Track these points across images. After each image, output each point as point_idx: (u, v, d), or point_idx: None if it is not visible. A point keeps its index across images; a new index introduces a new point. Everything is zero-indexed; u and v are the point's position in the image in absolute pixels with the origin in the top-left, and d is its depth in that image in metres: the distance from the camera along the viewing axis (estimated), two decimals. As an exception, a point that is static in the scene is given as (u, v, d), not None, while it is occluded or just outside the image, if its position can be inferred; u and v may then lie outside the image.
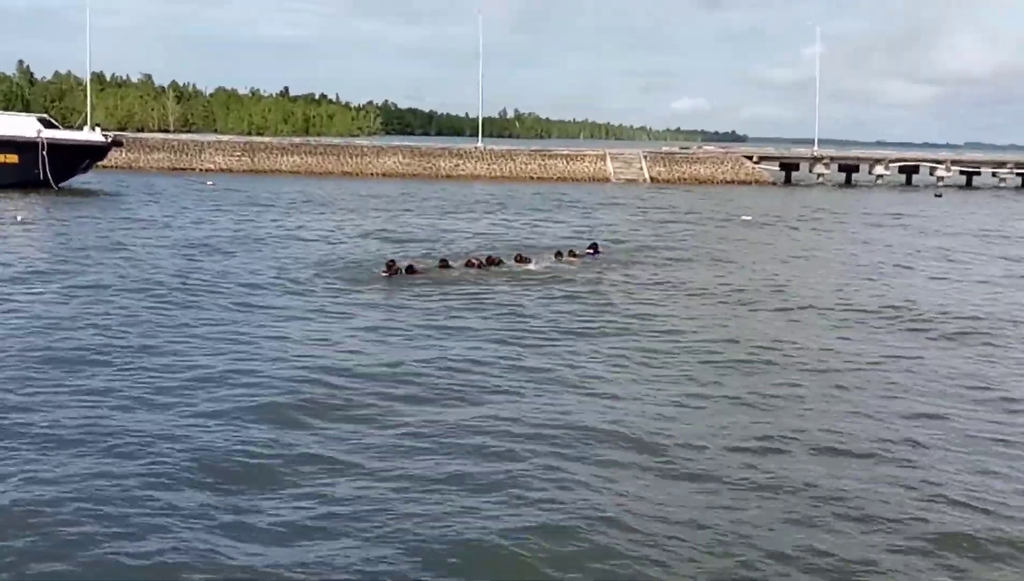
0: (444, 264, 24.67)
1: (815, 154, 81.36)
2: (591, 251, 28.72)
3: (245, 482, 9.92)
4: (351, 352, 15.44)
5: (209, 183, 58.60)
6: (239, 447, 10.87)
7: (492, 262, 25.41)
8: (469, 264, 24.84)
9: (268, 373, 13.96)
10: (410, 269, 23.39)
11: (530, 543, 8.61)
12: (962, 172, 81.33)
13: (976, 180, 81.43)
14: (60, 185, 49.29)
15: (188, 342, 15.89)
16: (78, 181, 51.67)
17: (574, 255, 27.73)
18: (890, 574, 8.31)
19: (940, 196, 66.41)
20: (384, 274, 22.96)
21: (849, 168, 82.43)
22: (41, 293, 20.22)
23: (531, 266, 25.45)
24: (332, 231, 34.33)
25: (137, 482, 9.79)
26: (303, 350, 15.46)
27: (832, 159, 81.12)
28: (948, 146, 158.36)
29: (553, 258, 27.05)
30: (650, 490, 9.99)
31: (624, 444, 11.31)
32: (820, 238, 36.79)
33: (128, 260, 25.49)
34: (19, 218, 35.56)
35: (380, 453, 10.80)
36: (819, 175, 78.74)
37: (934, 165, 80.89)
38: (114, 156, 60.89)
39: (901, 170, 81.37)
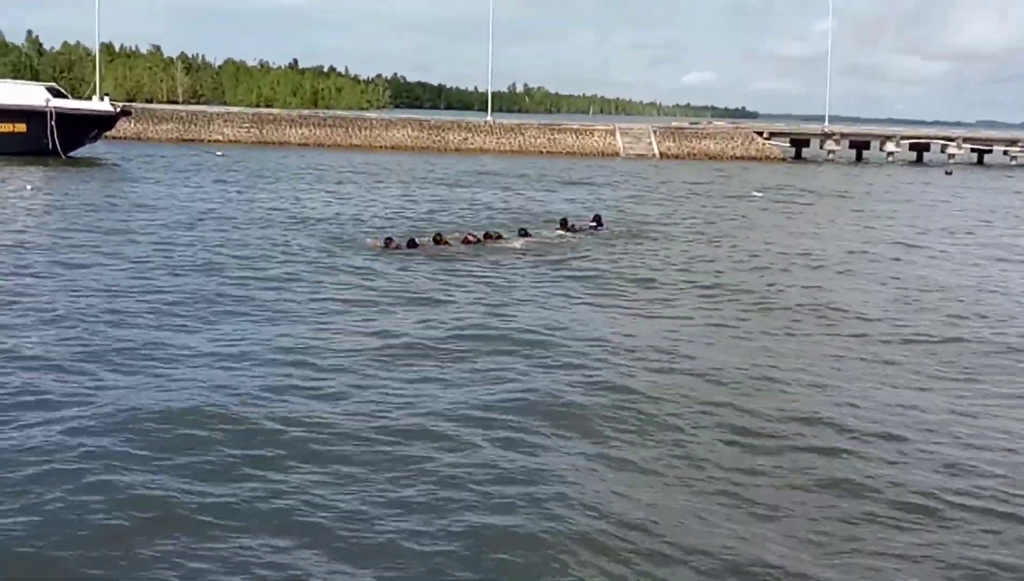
0: (439, 239, 23.71)
1: (826, 130, 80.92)
2: (594, 224, 27.97)
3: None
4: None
5: (219, 154, 58.62)
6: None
7: (490, 237, 24.69)
8: (466, 240, 24.04)
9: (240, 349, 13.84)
10: (411, 243, 22.85)
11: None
12: (973, 150, 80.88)
13: (987, 158, 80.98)
14: (69, 154, 49.31)
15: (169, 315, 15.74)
16: (87, 151, 51.72)
17: (574, 229, 26.97)
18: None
19: (951, 173, 66.07)
20: (380, 247, 22.72)
21: (860, 145, 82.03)
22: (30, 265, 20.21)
23: (530, 240, 24.90)
24: (332, 203, 34.18)
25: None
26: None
27: (843, 136, 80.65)
28: (959, 124, 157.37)
29: (557, 231, 26.50)
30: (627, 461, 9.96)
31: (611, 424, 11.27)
32: (832, 219, 35.31)
33: (124, 233, 25.39)
34: (29, 188, 35.55)
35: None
36: (830, 152, 78.34)
37: (945, 142, 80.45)
38: (123, 127, 60.93)
39: (912, 147, 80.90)
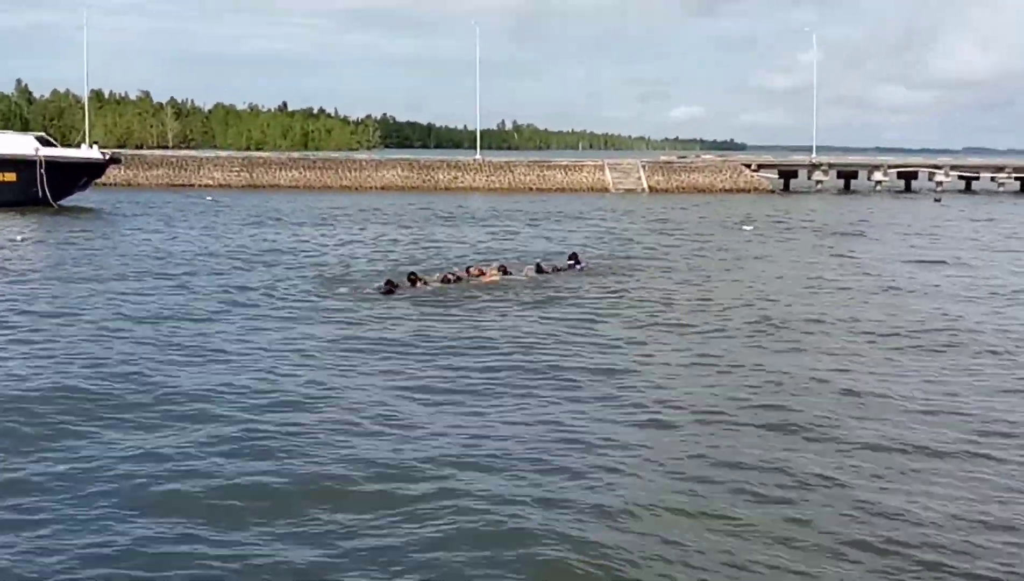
0: (414, 279, 23.38)
1: (813, 161, 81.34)
2: (572, 263, 27.52)
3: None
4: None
5: (208, 198, 58.70)
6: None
7: (469, 275, 24.40)
8: (445, 280, 23.79)
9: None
10: (389, 284, 22.64)
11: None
12: (961, 177, 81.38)
13: (975, 185, 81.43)
14: (59, 203, 49.31)
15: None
16: (77, 199, 51.73)
17: (553, 269, 26.49)
18: None
19: (939, 201, 66.43)
20: (383, 292, 22.37)
21: (848, 174, 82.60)
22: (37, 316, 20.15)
23: (502, 278, 24.49)
24: (321, 246, 34.20)
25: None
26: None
27: (831, 166, 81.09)
28: (947, 151, 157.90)
29: (533, 271, 25.84)
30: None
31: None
32: (831, 254, 34.12)
33: (109, 278, 25.42)
34: (19, 238, 35.51)
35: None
36: (818, 182, 78.69)
37: (933, 170, 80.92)
38: (113, 173, 60.93)
39: (900, 176, 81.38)
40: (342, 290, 23.18)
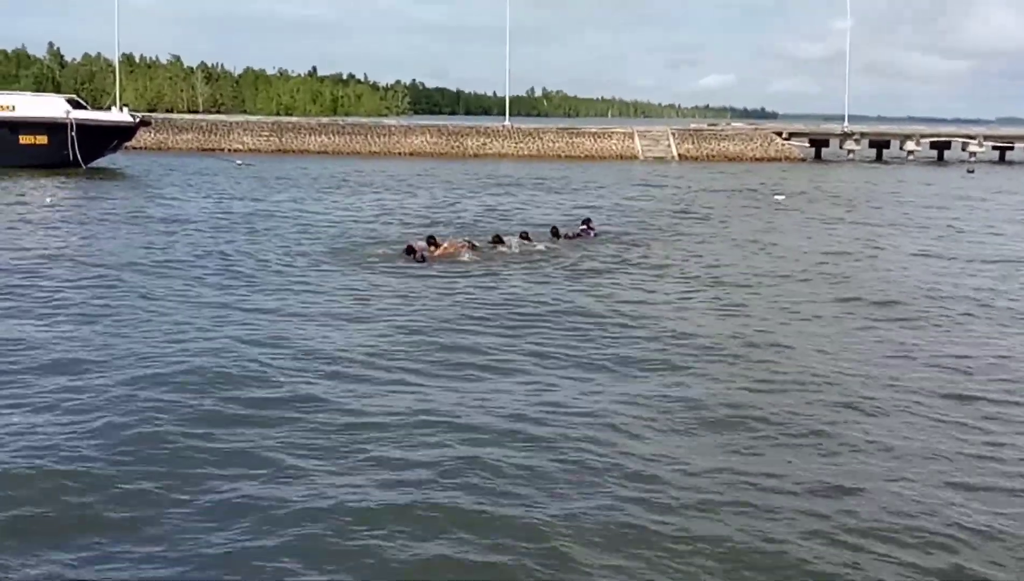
0: (431, 241, 23.24)
1: (845, 130, 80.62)
2: (584, 227, 27.04)
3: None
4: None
5: (238, 162, 58.94)
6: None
7: (472, 246, 23.68)
8: (472, 246, 23.41)
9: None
10: (409, 250, 22.46)
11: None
12: (995, 147, 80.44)
13: (1009, 155, 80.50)
14: (89, 165, 49.70)
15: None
16: (107, 161, 52.13)
17: (563, 236, 26.09)
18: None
19: (972, 172, 65.64)
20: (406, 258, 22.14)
21: (880, 144, 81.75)
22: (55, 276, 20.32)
23: (512, 248, 24.05)
24: (347, 210, 34.26)
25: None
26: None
27: (862, 135, 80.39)
28: (979, 121, 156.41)
29: (549, 238, 25.70)
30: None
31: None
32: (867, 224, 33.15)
33: (138, 239, 25.58)
34: (48, 201, 35.79)
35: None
36: (849, 151, 78.02)
37: (966, 140, 79.97)
38: (143, 137, 61.48)
39: (932, 146, 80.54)
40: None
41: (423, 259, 21.86)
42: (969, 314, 17.49)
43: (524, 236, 25.28)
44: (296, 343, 14.15)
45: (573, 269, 21.76)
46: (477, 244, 23.92)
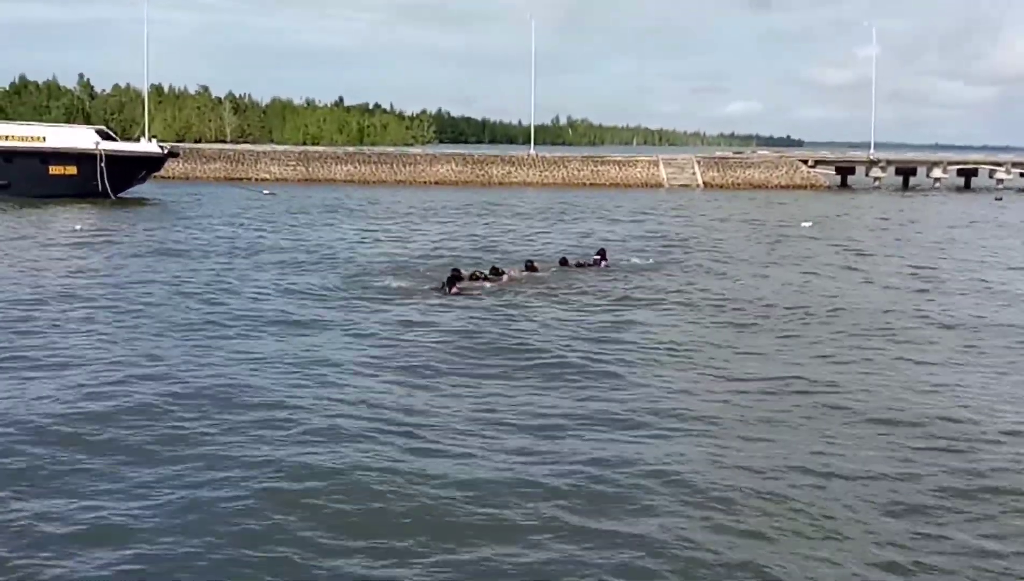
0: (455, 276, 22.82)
1: (871, 158, 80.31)
2: (598, 258, 26.73)
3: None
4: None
5: (265, 192, 59.30)
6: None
7: (483, 276, 23.41)
8: (474, 277, 23.24)
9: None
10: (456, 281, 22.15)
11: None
12: (1023, 174, 79.85)
13: (1037, 183, 79.99)
14: (117, 195, 50.13)
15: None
16: (135, 191, 52.57)
17: (573, 265, 26.00)
18: None
19: (1000, 200, 65.14)
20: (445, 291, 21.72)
21: (906, 171, 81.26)
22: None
23: (517, 275, 23.94)
24: (360, 240, 34.37)
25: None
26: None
27: (888, 162, 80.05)
28: (1007, 148, 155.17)
29: (557, 267, 25.56)
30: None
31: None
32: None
33: (168, 268, 25.76)
34: (78, 227, 36.13)
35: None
36: (876, 179, 77.70)
37: (994, 168, 79.47)
38: (172, 167, 61.98)
39: (960, 173, 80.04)
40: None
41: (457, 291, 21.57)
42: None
43: (530, 266, 25.06)
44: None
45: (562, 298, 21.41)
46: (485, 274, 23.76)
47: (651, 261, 28.49)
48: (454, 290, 21.56)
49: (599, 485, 9.90)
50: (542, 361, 15.17)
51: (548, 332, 17.45)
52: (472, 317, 18.72)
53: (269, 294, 21.66)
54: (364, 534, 8.72)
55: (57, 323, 17.83)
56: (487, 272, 23.91)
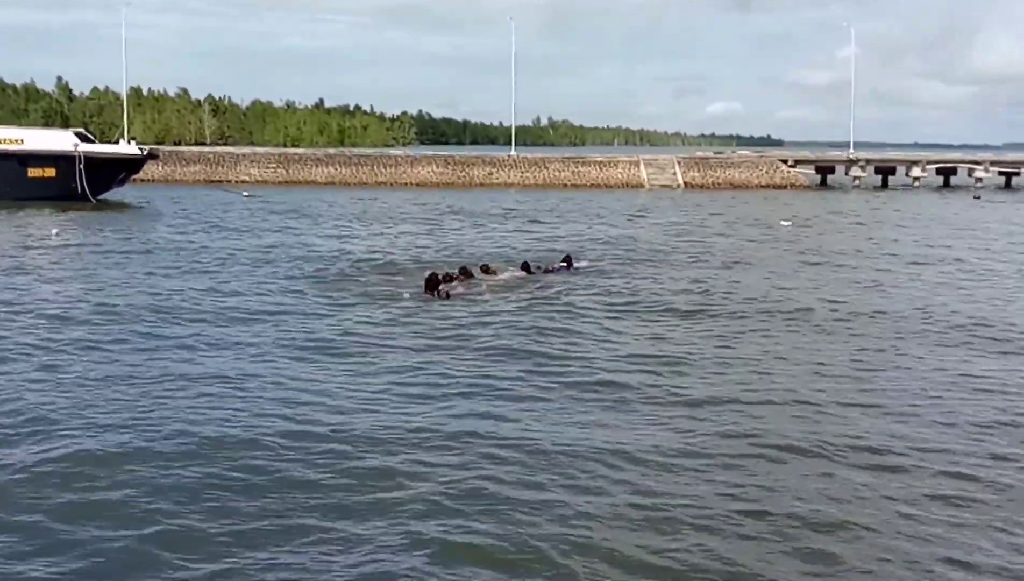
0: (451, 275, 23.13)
1: (851, 157, 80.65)
2: (564, 265, 26.17)
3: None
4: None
5: (245, 194, 59.02)
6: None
7: (448, 278, 23.06)
8: (448, 278, 22.93)
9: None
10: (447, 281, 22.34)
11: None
12: (1001, 173, 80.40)
13: (1015, 181, 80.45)
14: (97, 198, 49.85)
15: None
16: (114, 194, 52.28)
17: (537, 270, 25.44)
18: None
19: (979, 198, 65.55)
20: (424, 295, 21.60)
21: (885, 170, 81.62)
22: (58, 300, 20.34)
23: (478, 282, 23.59)
24: (343, 242, 34.20)
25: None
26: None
27: (868, 161, 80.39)
28: (986, 147, 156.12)
29: (519, 271, 25.08)
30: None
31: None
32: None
33: (138, 274, 25.59)
34: (55, 232, 35.86)
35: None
36: (855, 178, 78.05)
37: (972, 166, 79.93)
38: (151, 169, 61.71)
39: (939, 172, 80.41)
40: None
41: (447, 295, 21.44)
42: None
43: (485, 269, 24.85)
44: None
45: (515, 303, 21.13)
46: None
47: (618, 264, 28.02)
48: (435, 293, 21.51)
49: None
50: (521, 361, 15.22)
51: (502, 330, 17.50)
52: (450, 319, 18.83)
53: (248, 297, 21.60)
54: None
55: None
56: (457, 271, 23.92)
